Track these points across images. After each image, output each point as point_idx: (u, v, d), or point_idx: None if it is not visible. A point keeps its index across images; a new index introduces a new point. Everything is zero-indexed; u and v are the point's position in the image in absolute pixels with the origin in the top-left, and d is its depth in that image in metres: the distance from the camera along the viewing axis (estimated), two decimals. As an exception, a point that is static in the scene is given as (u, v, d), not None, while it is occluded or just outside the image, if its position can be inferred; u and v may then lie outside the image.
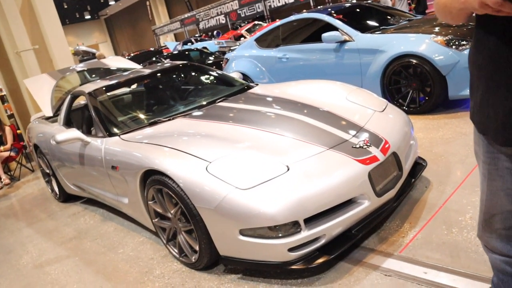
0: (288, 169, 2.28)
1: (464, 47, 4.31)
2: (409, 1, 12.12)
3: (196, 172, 2.35)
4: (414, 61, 4.54)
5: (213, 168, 2.33)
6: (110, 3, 38.23)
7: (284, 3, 22.90)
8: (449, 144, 3.76)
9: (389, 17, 5.92)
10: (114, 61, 5.78)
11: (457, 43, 4.36)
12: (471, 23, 4.34)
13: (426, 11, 11.16)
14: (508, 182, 1.27)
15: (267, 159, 2.39)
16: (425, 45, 4.49)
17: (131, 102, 4.53)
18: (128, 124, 3.52)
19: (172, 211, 2.63)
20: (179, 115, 3.39)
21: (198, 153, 2.49)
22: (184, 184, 2.36)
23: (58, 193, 4.80)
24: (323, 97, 3.21)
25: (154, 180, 2.63)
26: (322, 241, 2.22)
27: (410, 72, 4.65)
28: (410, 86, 4.69)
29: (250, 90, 3.77)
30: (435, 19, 5.43)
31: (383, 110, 3.02)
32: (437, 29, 4.68)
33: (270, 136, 2.66)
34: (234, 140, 2.65)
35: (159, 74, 4.31)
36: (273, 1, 23.39)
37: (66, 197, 4.76)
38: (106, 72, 5.18)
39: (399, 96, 4.81)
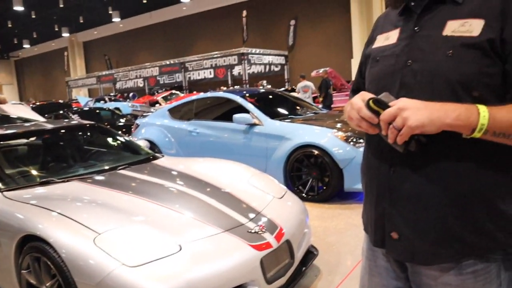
0: (181, 249, 2.23)
1: (360, 144, 4.71)
2: (315, 95, 13.28)
3: (82, 243, 2.20)
4: (316, 151, 4.84)
5: (102, 240, 2.20)
6: (24, 46, 36.56)
7: (203, 77, 23.63)
8: (341, 234, 3.95)
9: (298, 107, 6.35)
10: (15, 109, 5.44)
11: (354, 140, 4.76)
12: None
13: (332, 106, 12.15)
14: (384, 280, 1.36)
15: (161, 236, 2.32)
16: (327, 138, 4.84)
17: (25, 155, 4.21)
18: (16, 180, 3.25)
19: (47, 284, 2.39)
20: (76, 177, 3.22)
21: (89, 222, 2.35)
22: (66, 255, 2.18)
23: None
24: (227, 177, 3.27)
25: (32, 247, 2.40)
26: (207, 328, 2.14)
27: (312, 162, 4.94)
28: (311, 174, 4.95)
29: (155, 161, 3.72)
30: (339, 115, 5.94)
31: (281, 197, 3.13)
32: (339, 125, 5.09)
33: (168, 212, 2.61)
34: (130, 212, 2.56)
35: (62, 131, 4.11)
36: (193, 74, 24.03)
37: None
38: (3, 119, 4.83)
39: (299, 183, 5.04)
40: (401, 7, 1.25)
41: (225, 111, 5.94)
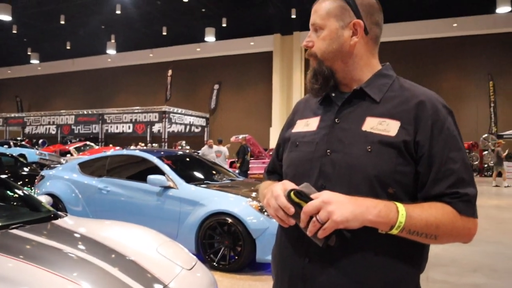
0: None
1: (274, 215, 4.73)
2: (230, 160, 13.50)
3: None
4: (230, 220, 4.78)
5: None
6: None
7: (121, 131, 23.05)
8: (249, 309, 3.83)
9: (214, 172, 6.33)
10: None
11: (269, 211, 4.77)
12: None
13: (248, 172, 12.35)
14: None
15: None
16: (241, 207, 4.81)
17: None
18: None
19: None
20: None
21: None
22: None
23: None
24: (134, 244, 3.06)
25: None
26: None
27: (225, 230, 4.85)
28: (223, 243, 4.84)
29: (57, 221, 3.41)
30: (254, 183, 5.99)
31: (191, 268, 2.98)
32: (254, 194, 5.11)
33: (62, 282, 2.35)
34: (17, 282, 2.27)
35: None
36: (111, 126, 23.37)
37: None
38: None
39: (211, 251, 4.90)
40: (321, 96, 1.31)
41: (140, 171, 5.75)
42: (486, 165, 19.27)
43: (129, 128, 22.78)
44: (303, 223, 1.06)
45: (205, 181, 5.68)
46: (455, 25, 21.29)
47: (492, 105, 19.92)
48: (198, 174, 5.98)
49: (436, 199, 1.12)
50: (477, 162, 19.34)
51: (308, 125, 1.30)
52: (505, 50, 20.96)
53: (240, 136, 14.23)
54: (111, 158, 6.24)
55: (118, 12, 20.52)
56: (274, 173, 1.48)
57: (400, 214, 1.06)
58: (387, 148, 1.13)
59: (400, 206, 1.08)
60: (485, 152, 19.37)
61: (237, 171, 11.24)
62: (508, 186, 14.82)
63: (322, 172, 1.19)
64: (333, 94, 1.28)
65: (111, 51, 25.63)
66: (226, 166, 11.88)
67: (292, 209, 1.07)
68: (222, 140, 14.34)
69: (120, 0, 19.80)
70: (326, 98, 1.30)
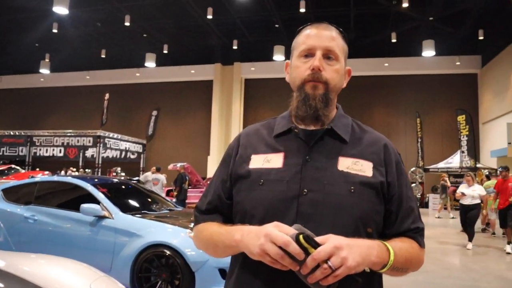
0: None
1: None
2: (167, 188, 13.17)
3: None
4: (168, 252, 4.59)
5: None
6: None
7: (51, 155, 21.83)
8: None
9: (150, 200, 6.10)
10: None
11: (208, 243, 4.65)
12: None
13: (186, 201, 12.12)
14: None
15: None
16: (180, 238, 4.65)
17: None
18: None
19: None
20: None
21: None
22: None
23: None
24: (63, 280, 2.83)
25: None
26: None
27: (162, 262, 4.64)
28: (160, 276, 4.63)
29: (-26, 254, 3.10)
30: (193, 213, 5.83)
31: (126, 306, 2.80)
32: (192, 224, 4.96)
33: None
34: None
35: None
36: (40, 149, 22.06)
37: None
38: None
39: (147, 285, 4.65)
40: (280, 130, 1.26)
41: (72, 199, 5.42)
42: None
43: (60, 152, 21.61)
44: (307, 268, 0.98)
45: (142, 211, 5.45)
46: (386, 64, 22.67)
47: (419, 140, 21.13)
48: (135, 203, 5.74)
49: (401, 235, 1.19)
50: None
51: (270, 161, 1.22)
52: (430, 90, 22.58)
53: (179, 164, 13.95)
54: (41, 184, 5.83)
55: (54, 30, 19.75)
56: (215, 212, 1.30)
57: (391, 253, 1.08)
58: (367, 188, 1.16)
59: (388, 244, 1.10)
60: (413, 185, 20.41)
61: (174, 200, 10.96)
62: (439, 217, 15.21)
63: (301, 212, 1.12)
64: (296, 130, 1.25)
65: (44, 71, 24.47)
66: (163, 195, 11.59)
67: (303, 255, 0.98)
68: (161, 168, 14.04)
69: (57, 19, 19.07)
70: (284, 132, 1.26)
